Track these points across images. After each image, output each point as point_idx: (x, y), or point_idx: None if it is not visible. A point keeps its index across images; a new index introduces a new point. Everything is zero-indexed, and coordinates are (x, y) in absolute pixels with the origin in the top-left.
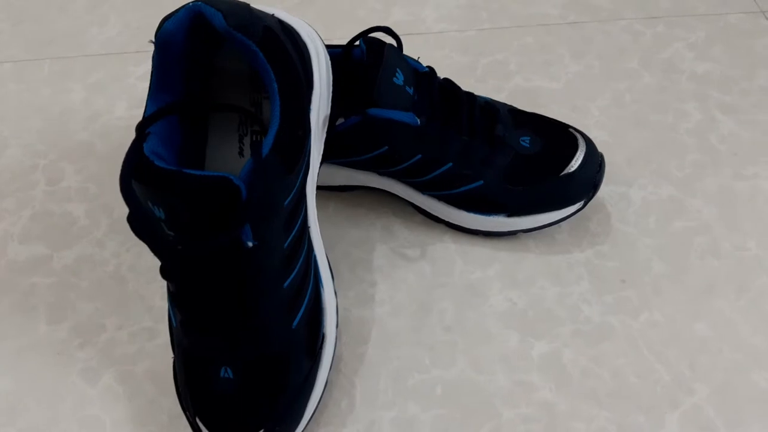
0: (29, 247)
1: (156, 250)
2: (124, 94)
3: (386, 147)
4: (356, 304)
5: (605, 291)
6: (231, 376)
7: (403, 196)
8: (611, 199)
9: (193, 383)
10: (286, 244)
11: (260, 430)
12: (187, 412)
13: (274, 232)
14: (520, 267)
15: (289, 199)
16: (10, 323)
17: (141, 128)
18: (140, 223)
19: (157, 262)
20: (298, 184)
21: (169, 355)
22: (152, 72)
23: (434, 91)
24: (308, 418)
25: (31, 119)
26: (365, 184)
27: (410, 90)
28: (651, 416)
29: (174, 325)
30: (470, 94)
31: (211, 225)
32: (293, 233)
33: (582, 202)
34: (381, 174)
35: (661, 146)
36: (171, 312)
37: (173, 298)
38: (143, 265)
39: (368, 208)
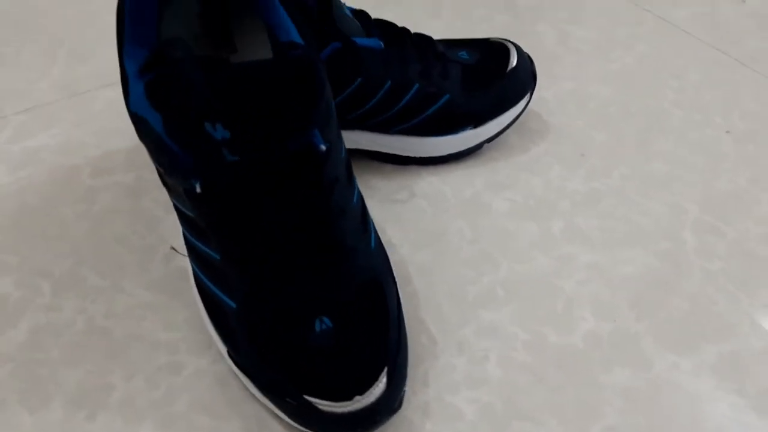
0: None
1: (209, 192)
2: None
3: (360, 78)
4: None
5: (574, 166)
6: (330, 325)
7: (369, 147)
8: (530, 103)
9: (282, 359)
10: (343, 153)
11: (383, 370)
12: (288, 398)
13: (335, 136)
14: (499, 172)
15: (335, 100)
16: None
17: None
18: (192, 156)
19: (144, 298)
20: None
21: (209, 381)
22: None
23: (372, 23)
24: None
25: None
26: None
27: (357, 22)
28: (672, 237)
29: (232, 305)
30: (402, 27)
31: (282, 130)
32: (343, 142)
33: (529, 94)
34: (346, 126)
35: (538, 59)
36: (221, 295)
37: (230, 257)
38: (123, 307)
39: None
